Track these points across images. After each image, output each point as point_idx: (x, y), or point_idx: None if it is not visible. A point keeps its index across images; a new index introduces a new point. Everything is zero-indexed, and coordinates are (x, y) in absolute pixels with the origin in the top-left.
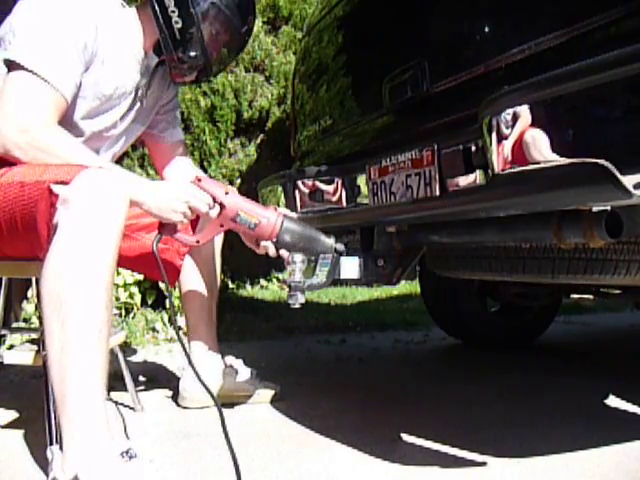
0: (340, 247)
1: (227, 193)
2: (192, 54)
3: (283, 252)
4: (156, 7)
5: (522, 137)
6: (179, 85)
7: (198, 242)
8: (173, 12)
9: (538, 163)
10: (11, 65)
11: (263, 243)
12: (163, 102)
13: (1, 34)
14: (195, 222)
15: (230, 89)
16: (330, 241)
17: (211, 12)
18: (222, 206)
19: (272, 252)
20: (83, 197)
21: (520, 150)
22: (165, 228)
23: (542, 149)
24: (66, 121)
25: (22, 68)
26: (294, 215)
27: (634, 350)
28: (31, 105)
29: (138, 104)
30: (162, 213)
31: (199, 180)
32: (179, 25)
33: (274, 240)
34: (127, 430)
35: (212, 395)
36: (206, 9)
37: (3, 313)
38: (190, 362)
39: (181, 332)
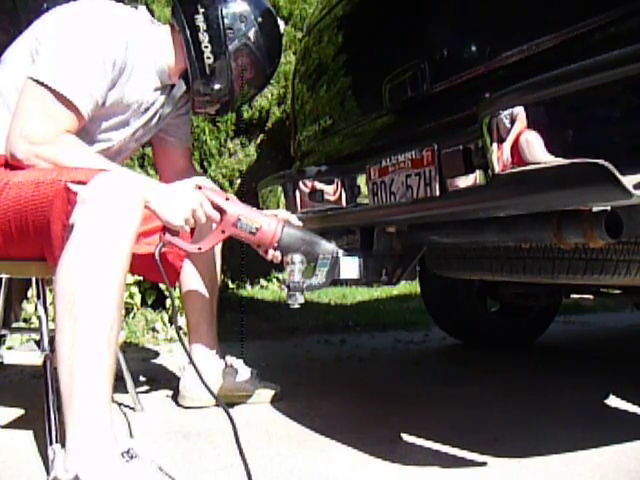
0: (340, 252)
1: (227, 199)
2: (218, 88)
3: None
4: (189, 40)
5: (518, 140)
6: (199, 115)
7: (200, 249)
8: (206, 47)
9: (537, 164)
10: (32, 78)
11: (270, 252)
12: (179, 111)
13: (29, 45)
14: (192, 231)
15: None
16: (331, 246)
17: (243, 51)
18: (223, 212)
19: (278, 260)
20: (101, 198)
21: (518, 152)
22: (167, 233)
23: (536, 153)
24: (86, 135)
25: (41, 82)
26: (296, 219)
27: (634, 350)
28: (44, 118)
29: (157, 117)
30: (167, 215)
31: (199, 188)
32: (210, 60)
33: (275, 245)
34: (129, 430)
35: (214, 394)
36: (239, 48)
37: (3, 313)
38: (192, 361)
39: (181, 332)
